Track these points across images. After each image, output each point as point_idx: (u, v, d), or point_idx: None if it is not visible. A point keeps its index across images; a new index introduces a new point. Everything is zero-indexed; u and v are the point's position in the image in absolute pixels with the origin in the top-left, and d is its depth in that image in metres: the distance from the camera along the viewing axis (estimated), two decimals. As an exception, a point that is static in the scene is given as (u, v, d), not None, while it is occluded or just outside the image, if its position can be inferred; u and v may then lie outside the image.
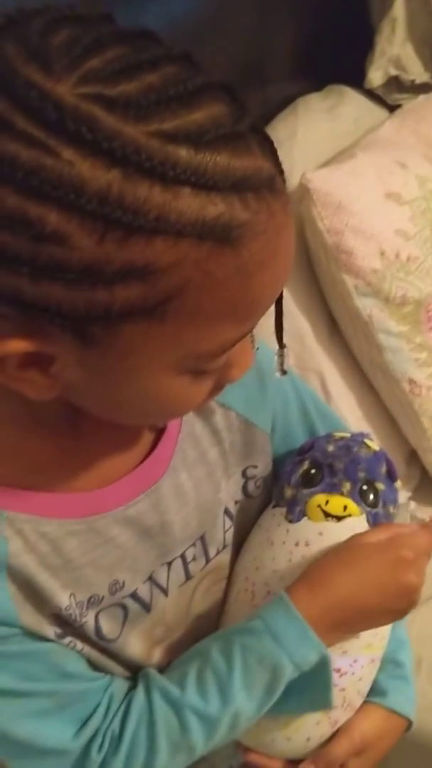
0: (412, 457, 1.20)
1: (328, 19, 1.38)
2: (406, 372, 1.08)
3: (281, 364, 0.60)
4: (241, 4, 1.17)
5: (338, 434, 0.72)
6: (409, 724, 0.73)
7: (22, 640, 0.56)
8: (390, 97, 1.47)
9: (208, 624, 0.70)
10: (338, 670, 0.65)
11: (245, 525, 0.72)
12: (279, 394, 0.72)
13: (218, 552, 0.68)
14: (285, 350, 0.59)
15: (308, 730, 0.67)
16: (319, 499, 0.67)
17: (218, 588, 0.70)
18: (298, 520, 0.67)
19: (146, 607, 0.63)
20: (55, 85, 0.40)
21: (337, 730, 0.69)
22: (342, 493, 0.66)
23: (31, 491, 0.56)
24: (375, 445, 0.71)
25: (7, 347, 0.45)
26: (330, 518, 0.66)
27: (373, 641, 0.68)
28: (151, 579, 0.63)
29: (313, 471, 0.68)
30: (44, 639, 0.57)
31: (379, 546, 0.63)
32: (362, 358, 1.12)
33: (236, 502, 0.70)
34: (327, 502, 0.66)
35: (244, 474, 0.70)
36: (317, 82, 1.38)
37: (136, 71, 0.42)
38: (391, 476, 0.70)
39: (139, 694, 0.62)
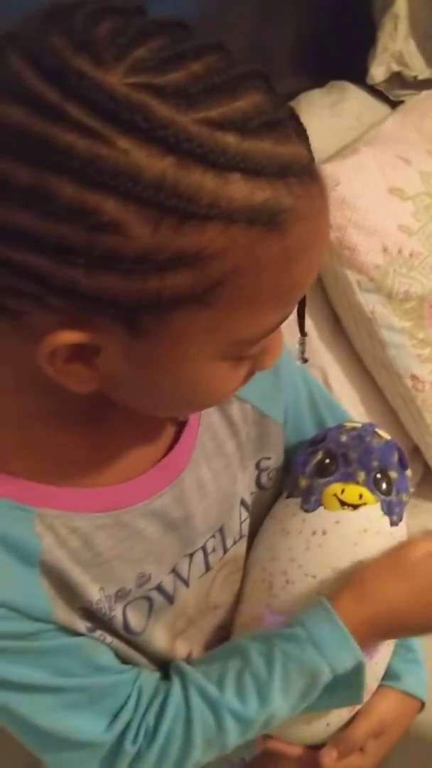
0: (415, 452, 1.20)
1: (330, 15, 1.38)
2: (409, 368, 1.08)
3: (302, 352, 0.61)
4: (242, 3, 1.18)
5: (349, 425, 0.72)
6: (422, 705, 0.75)
7: (56, 635, 0.56)
8: (392, 93, 1.47)
9: (225, 615, 0.71)
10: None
11: (258, 516, 0.72)
12: (290, 386, 0.73)
13: (234, 543, 0.68)
14: (306, 338, 0.60)
15: (328, 715, 0.68)
16: (335, 488, 0.68)
17: (234, 578, 0.71)
18: (314, 509, 0.68)
19: (170, 599, 0.64)
20: (106, 75, 0.41)
21: (356, 714, 0.70)
22: (357, 482, 0.68)
23: (60, 487, 0.56)
24: (386, 434, 0.72)
25: (59, 339, 0.45)
26: (346, 507, 0.67)
27: None
28: (174, 571, 0.63)
29: (327, 461, 0.69)
30: (76, 633, 0.58)
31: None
32: (365, 354, 1.12)
33: (251, 494, 0.70)
34: (343, 491, 0.67)
35: (257, 466, 0.71)
36: (320, 78, 1.38)
37: (181, 60, 0.42)
38: (402, 465, 0.71)
39: (176, 689, 0.62)
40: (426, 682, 0.75)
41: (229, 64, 0.43)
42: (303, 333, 0.60)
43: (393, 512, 0.69)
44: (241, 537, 0.69)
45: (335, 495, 0.67)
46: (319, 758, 0.69)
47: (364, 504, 0.67)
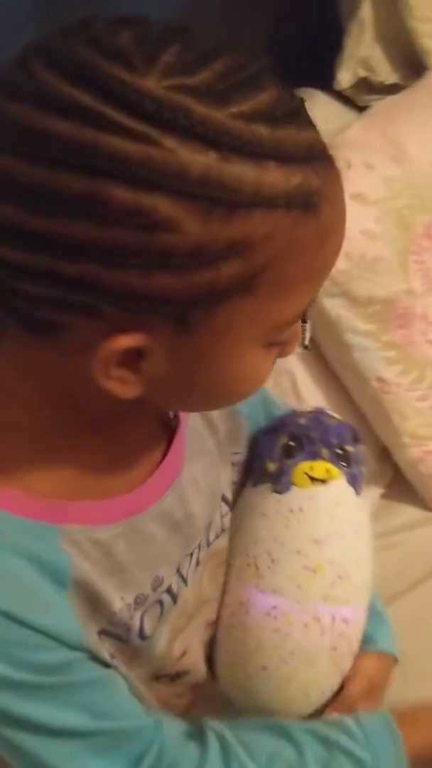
0: (384, 454, 1.20)
1: (296, 21, 1.39)
2: (375, 370, 1.09)
3: (304, 338, 0.62)
4: (205, 8, 1.18)
5: (300, 410, 0.78)
6: (395, 660, 0.80)
7: (88, 666, 0.55)
8: (360, 98, 1.47)
9: (213, 608, 0.73)
10: (346, 620, 0.71)
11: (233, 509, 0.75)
12: None
13: (216, 536, 0.70)
14: (307, 325, 0.61)
15: (324, 683, 0.72)
16: (304, 466, 0.72)
17: (219, 572, 0.72)
18: (287, 489, 0.72)
19: (175, 599, 0.65)
20: (143, 80, 0.43)
21: (347, 678, 0.74)
22: (323, 458, 0.73)
23: (80, 501, 0.56)
24: (337, 415, 0.78)
25: (115, 345, 0.46)
26: (316, 482, 0.72)
27: (366, 593, 0.75)
28: (178, 571, 0.65)
29: (292, 443, 0.73)
30: (103, 663, 0.57)
31: None
32: (332, 358, 1.13)
33: (231, 488, 0.73)
34: (311, 468, 0.72)
35: (232, 461, 0.73)
36: (286, 86, 1.38)
37: (204, 62, 0.45)
38: (356, 440, 0.77)
39: (214, 758, 0.60)
40: (395, 639, 0.81)
41: (244, 61, 0.46)
42: (304, 320, 0.61)
43: (356, 483, 0.75)
44: (222, 531, 0.71)
45: (305, 473, 0.72)
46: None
47: (332, 478, 0.73)
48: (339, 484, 0.73)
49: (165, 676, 0.69)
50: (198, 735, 0.62)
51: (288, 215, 0.45)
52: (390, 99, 1.35)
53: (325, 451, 0.73)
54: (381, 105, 1.32)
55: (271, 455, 0.73)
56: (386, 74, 1.44)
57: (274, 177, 0.44)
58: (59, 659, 0.53)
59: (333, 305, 1.06)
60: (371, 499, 1.19)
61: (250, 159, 0.44)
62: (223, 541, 0.72)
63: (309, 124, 0.47)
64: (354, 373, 1.11)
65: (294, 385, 1.12)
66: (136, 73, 0.43)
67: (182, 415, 0.65)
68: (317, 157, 0.47)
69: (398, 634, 0.83)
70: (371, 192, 1.08)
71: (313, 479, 0.72)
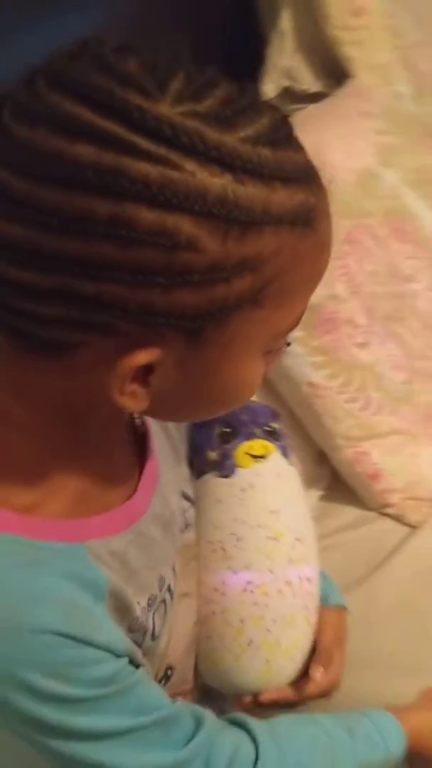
0: (321, 457, 1.22)
1: (216, 36, 1.41)
2: (305, 375, 1.11)
3: (287, 343, 0.65)
4: (121, 23, 1.19)
5: None
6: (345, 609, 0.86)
7: (132, 669, 0.57)
8: (285, 108, 1.50)
9: (191, 603, 0.75)
10: (309, 579, 0.78)
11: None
12: None
13: (181, 532, 0.72)
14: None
15: (304, 643, 0.78)
16: (243, 447, 0.78)
17: (192, 567, 0.75)
18: (233, 472, 0.77)
19: (172, 596, 0.67)
20: (158, 106, 0.45)
21: (318, 632, 0.80)
22: (258, 437, 0.79)
23: (92, 516, 0.58)
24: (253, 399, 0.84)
25: (132, 361, 0.48)
26: (258, 459, 0.78)
27: (317, 551, 0.82)
28: (173, 569, 0.67)
29: (227, 429, 0.79)
30: (139, 664, 0.58)
31: None
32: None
33: (190, 485, 0.76)
34: (251, 447, 0.78)
35: (184, 458, 0.76)
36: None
37: (208, 89, 0.47)
38: (276, 417, 0.84)
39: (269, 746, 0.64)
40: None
41: (243, 88, 0.49)
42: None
43: (287, 454, 0.82)
44: (186, 526, 0.74)
45: (247, 453, 0.78)
46: (311, 675, 0.78)
47: (269, 453, 0.79)
48: (276, 457, 0.79)
49: (161, 681, 0.71)
50: (233, 722, 0.66)
51: (292, 231, 0.48)
52: (312, 107, 1.37)
53: (257, 430, 0.79)
54: (303, 113, 1.34)
55: (210, 445, 0.78)
56: (309, 83, 1.46)
57: (280, 196, 0.47)
58: (112, 670, 0.55)
59: (260, 313, 1.07)
60: (311, 501, 1.20)
61: (260, 180, 0.46)
62: (190, 536, 0.74)
63: (301, 145, 0.51)
64: (286, 379, 1.13)
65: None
66: (151, 99, 0.45)
67: (149, 419, 0.67)
68: (312, 176, 0.51)
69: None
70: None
71: (254, 457, 0.78)
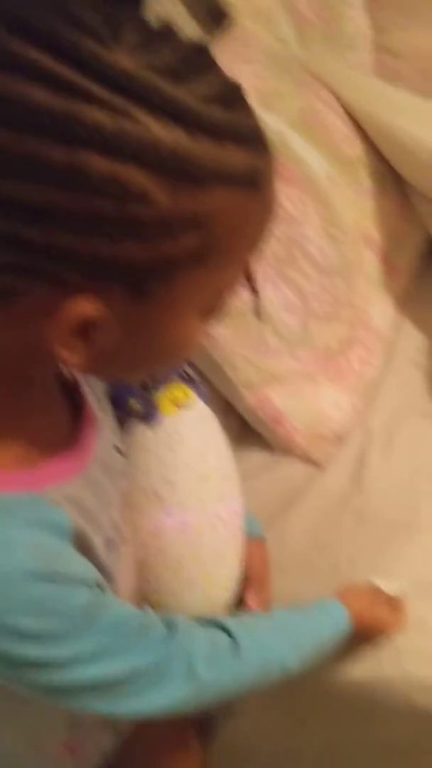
0: (228, 406, 1.22)
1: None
2: (200, 325, 1.11)
3: (257, 311, 0.64)
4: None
5: None
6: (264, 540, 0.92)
7: (101, 593, 0.59)
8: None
9: (130, 550, 0.76)
10: (237, 513, 0.83)
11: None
12: None
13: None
14: (258, 297, 0.66)
15: (236, 573, 0.82)
16: (165, 394, 0.80)
17: (128, 514, 0.75)
18: (158, 419, 0.79)
19: (122, 539, 0.68)
20: (114, 55, 0.44)
21: (247, 562, 0.85)
22: (177, 382, 0.81)
23: (45, 464, 0.58)
24: None
25: (74, 312, 0.48)
26: (180, 404, 0.81)
27: (239, 486, 0.86)
28: (120, 512, 0.68)
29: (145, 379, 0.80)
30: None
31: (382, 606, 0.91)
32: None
33: (118, 436, 0.75)
34: (173, 394, 0.81)
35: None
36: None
37: (161, 41, 0.47)
38: (188, 363, 0.87)
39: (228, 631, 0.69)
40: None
41: (193, 44, 0.49)
42: (255, 292, 0.65)
43: (204, 397, 0.85)
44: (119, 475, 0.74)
45: (168, 399, 0.80)
46: (247, 602, 0.84)
47: (190, 397, 0.82)
48: (195, 401, 0.82)
49: None
50: (205, 622, 0.70)
51: (240, 192, 0.49)
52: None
53: (174, 377, 0.81)
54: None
55: (132, 394, 0.79)
56: (191, 31, 1.44)
57: (231, 156, 0.48)
58: (86, 599, 0.57)
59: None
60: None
61: (212, 138, 0.47)
62: (123, 485, 0.74)
63: (251, 108, 0.51)
64: (182, 330, 1.12)
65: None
66: (107, 47, 0.44)
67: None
68: (262, 139, 0.51)
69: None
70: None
71: (177, 403, 0.81)
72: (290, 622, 0.77)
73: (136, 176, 0.45)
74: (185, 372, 0.84)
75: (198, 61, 0.48)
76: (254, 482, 1.17)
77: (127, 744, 0.81)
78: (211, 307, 0.55)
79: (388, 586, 0.99)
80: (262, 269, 1.16)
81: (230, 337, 1.12)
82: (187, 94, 0.46)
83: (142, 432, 0.79)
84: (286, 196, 1.22)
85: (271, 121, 1.25)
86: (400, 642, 0.94)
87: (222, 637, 0.68)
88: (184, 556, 0.78)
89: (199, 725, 1.02)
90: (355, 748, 1.01)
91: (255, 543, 0.87)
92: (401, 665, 0.92)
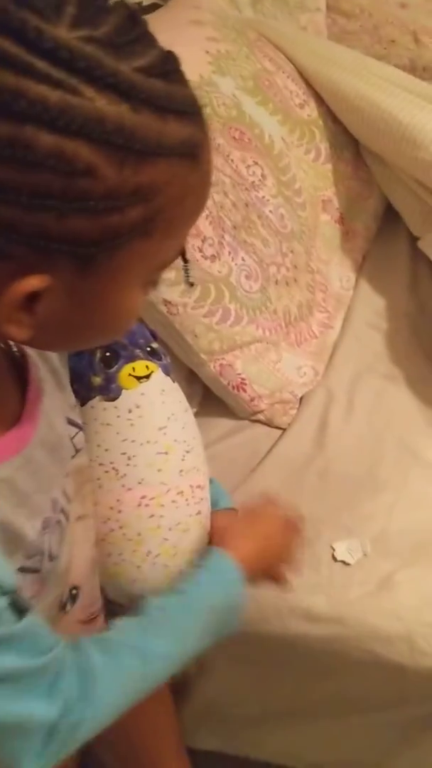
0: (191, 375, 1.23)
1: None
2: (160, 294, 1.10)
3: (187, 277, 0.64)
4: None
5: None
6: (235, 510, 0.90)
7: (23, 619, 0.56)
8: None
9: (89, 524, 0.76)
10: (200, 486, 0.82)
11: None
12: None
13: (71, 457, 0.72)
14: (188, 264, 0.66)
15: (199, 546, 0.81)
16: (126, 369, 0.79)
17: (88, 489, 0.76)
18: (119, 394, 0.78)
19: (68, 518, 0.68)
20: (56, 30, 0.45)
21: (213, 533, 0.84)
22: (140, 358, 0.80)
23: None
24: None
25: (22, 287, 0.48)
26: (142, 379, 0.80)
27: (205, 459, 0.86)
28: (64, 492, 0.67)
29: (107, 354, 0.79)
30: (23, 607, 0.57)
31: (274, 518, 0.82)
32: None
33: (75, 410, 0.74)
34: (133, 368, 0.79)
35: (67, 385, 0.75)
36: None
37: (102, 15, 0.47)
38: (155, 337, 0.86)
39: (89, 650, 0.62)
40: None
41: (131, 15, 0.49)
42: (185, 259, 0.65)
43: (169, 371, 0.84)
44: (77, 451, 0.73)
45: (130, 374, 0.79)
46: None
47: (152, 372, 0.80)
48: (158, 376, 0.81)
49: (67, 602, 0.71)
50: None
51: (182, 163, 0.50)
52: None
53: (138, 352, 0.80)
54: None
55: (93, 370, 0.79)
56: (142, -9, 1.42)
57: (173, 129, 0.48)
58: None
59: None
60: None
61: (154, 111, 0.47)
62: (81, 460, 0.74)
63: (187, 80, 0.51)
64: (141, 299, 1.12)
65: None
66: (50, 22, 0.45)
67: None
68: (199, 111, 0.51)
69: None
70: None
71: (138, 378, 0.79)
72: (165, 611, 0.69)
73: (82, 151, 0.45)
74: (150, 347, 0.82)
75: (136, 34, 0.48)
76: (219, 448, 1.18)
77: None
78: (154, 277, 0.56)
79: (351, 546, 1.01)
80: (219, 235, 1.16)
81: (190, 305, 1.13)
82: (128, 68, 0.46)
83: (103, 407, 0.79)
84: (242, 160, 1.22)
85: (225, 85, 1.24)
86: (364, 599, 0.96)
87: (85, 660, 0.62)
88: (144, 530, 0.78)
89: (173, 684, 1.04)
90: (322, 703, 1.04)
91: (222, 513, 0.87)
92: (366, 622, 0.95)
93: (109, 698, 0.62)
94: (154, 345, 0.83)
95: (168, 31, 1.27)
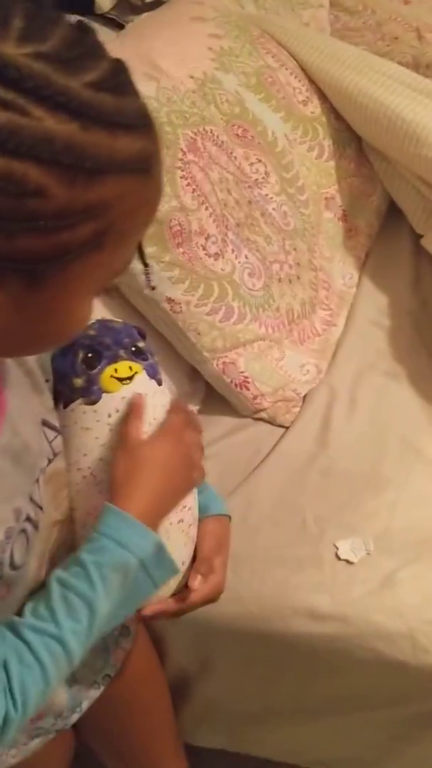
0: (194, 372, 1.23)
1: None
2: (163, 292, 1.10)
3: (149, 281, 0.63)
4: None
5: None
6: (229, 518, 0.87)
7: None
8: (125, 19, 1.45)
9: (70, 527, 0.75)
10: (187, 507, 0.78)
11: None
12: None
13: (49, 461, 0.71)
14: (150, 268, 0.66)
15: (182, 554, 0.78)
16: (109, 371, 0.76)
17: (63, 495, 0.75)
18: (99, 397, 0.75)
19: (36, 526, 0.67)
20: (3, 45, 0.45)
21: (197, 543, 0.82)
22: (123, 359, 0.77)
23: None
24: (118, 320, 0.83)
25: None
26: (124, 381, 0.76)
27: None
28: (32, 500, 0.67)
29: (90, 354, 0.76)
30: None
31: (161, 441, 0.74)
32: (122, 287, 1.13)
33: (53, 413, 0.74)
34: (116, 370, 0.76)
35: (46, 387, 0.75)
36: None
37: (49, 27, 0.47)
38: (143, 336, 0.83)
39: (11, 639, 0.62)
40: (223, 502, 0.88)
41: (80, 26, 0.49)
42: (145, 264, 0.64)
43: (156, 373, 0.80)
44: (54, 455, 0.73)
45: (112, 376, 0.76)
46: (189, 585, 0.78)
47: (136, 374, 0.77)
48: (142, 378, 0.78)
49: None
50: None
51: (133, 177, 0.50)
52: (144, 16, 1.34)
53: (122, 352, 0.77)
54: (134, 23, 1.30)
55: (75, 371, 0.76)
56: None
57: (123, 144, 0.48)
58: None
59: (108, 233, 1.05)
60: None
61: (104, 128, 0.47)
62: (59, 465, 0.74)
63: (137, 91, 0.51)
64: (143, 297, 1.12)
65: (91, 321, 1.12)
66: None
67: None
68: (149, 122, 0.51)
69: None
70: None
71: (120, 380, 0.76)
72: (66, 586, 0.65)
73: (31, 172, 0.46)
74: (135, 346, 0.79)
75: (85, 46, 0.48)
76: (221, 445, 1.18)
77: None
78: (105, 285, 0.56)
79: (354, 544, 1.01)
80: (223, 233, 1.15)
81: (193, 303, 1.12)
82: (77, 84, 0.46)
83: (83, 410, 0.76)
84: (245, 158, 1.22)
85: (228, 82, 1.24)
86: (367, 598, 0.96)
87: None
88: None
89: (173, 687, 1.04)
90: (324, 700, 1.04)
91: (212, 520, 0.84)
92: (369, 620, 0.95)
93: (34, 692, 0.61)
94: (141, 344, 0.81)
95: (171, 27, 1.29)
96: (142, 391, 0.77)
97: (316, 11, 1.61)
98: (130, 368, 0.77)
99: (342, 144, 1.41)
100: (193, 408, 1.24)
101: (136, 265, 1.08)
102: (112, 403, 0.75)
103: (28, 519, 0.66)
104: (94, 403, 0.76)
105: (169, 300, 1.11)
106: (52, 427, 0.73)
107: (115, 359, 0.77)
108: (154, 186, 0.53)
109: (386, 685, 0.98)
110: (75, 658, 0.64)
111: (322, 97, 1.39)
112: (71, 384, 0.76)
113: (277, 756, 1.14)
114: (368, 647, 0.95)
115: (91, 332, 0.78)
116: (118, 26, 1.44)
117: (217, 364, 1.17)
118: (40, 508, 0.69)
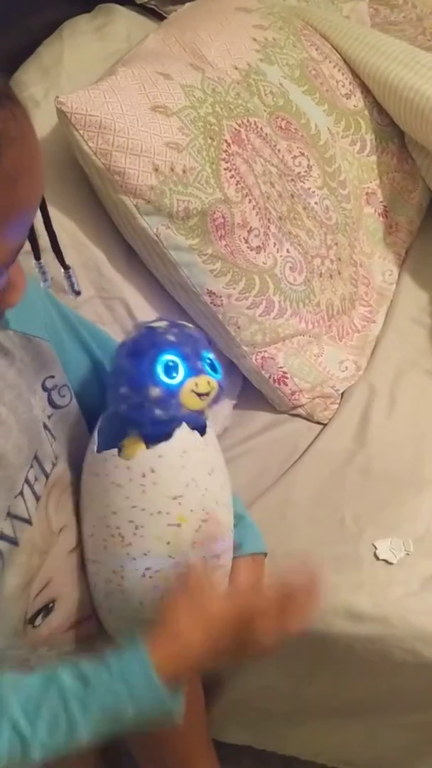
0: (231, 366, 1.21)
1: None
2: (204, 284, 1.09)
3: (72, 285, 0.64)
4: None
5: (154, 324, 0.74)
6: (265, 554, 0.83)
7: None
8: (165, 9, 1.44)
9: (72, 536, 0.73)
10: (216, 555, 0.73)
11: (70, 436, 0.74)
12: (41, 306, 0.74)
13: (53, 465, 0.70)
14: (70, 271, 0.63)
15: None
16: (189, 385, 0.70)
17: (66, 498, 0.73)
18: (177, 411, 0.70)
19: (14, 542, 0.65)
20: None
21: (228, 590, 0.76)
22: (203, 372, 0.72)
23: None
24: (188, 324, 0.76)
25: None
26: (202, 397, 0.71)
27: (230, 516, 0.76)
28: (10, 515, 0.64)
29: (171, 363, 0.70)
30: None
31: (230, 621, 0.66)
32: (162, 278, 1.12)
33: (49, 416, 0.72)
34: (196, 384, 0.70)
35: (44, 387, 0.72)
36: (88, 5, 1.33)
37: None
38: (210, 344, 0.76)
39: None
40: (261, 535, 0.84)
41: None
42: (65, 267, 0.63)
43: (221, 394, 0.74)
44: (57, 458, 0.71)
45: (192, 391, 0.70)
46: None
47: (213, 390, 0.72)
48: (183, 432, 0.71)
49: (35, 617, 0.69)
50: None
51: None
52: (187, 6, 1.32)
53: (200, 365, 0.72)
54: (177, 13, 1.29)
55: (153, 380, 0.70)
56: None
57: None
58: None
59: (150, 223, 1.04)
60: (224, 412, 1.20)
61: None
62: (61, 468, 0.72)
63: None
64: (184, 289, 1.11)
65: (128, 310, 1.11)
66: None
67: None
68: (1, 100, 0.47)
69: (262, 532, 0.86)
70: (171, 102, 1.05)
71: (200, 395, 0.71)
72: (62, 690, 0.61)
73: None
74: (210, 359, 0.73)
75: None
76: (257, 441, 1.17)
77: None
78: None
79: (393, 544, 0.99)
80: (265, 226, 1.14)
81: (235, 296, 1.11)
82: None
83: (114, 465, 0.71)
84: (288, 150, 1.20)
85: (272, 74, 1.22)
86: (407, 599, 0.95)
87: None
88: (147, 601, 0.71)
89: (204, 683, 1.03)
90: (357, 702, 1.02)
91: (244, 562, 0.79)
92: (409, 621, 0.93)
93: None
94: (211, 356, 0.74)
95: (214, 18, 1.27)
96: (180, 449, 0.70)
97: (357, 4, 1.59)
98: (209, 383, 0.71)
99: (384, 139, 1.39)
100: (230, 402, 1.23)
101: (180, 257, 1.07)
102: (146, 462, 0.70)
103: (2, 537, 0.63)
104: (170, 420, 0.70)
105: (210, 293, 1.10)
106: (49, 431, 0.71)
107: (196, 373, 0.71)
108: (12, 168, 0.48)
109: (422, 687, 0.97)
110: (29, 763, 0.61)
111: (366, 90, 1.37)
112: (147, 393, 0.70)
113: (303, 755, 1.13)
114: (407, 649, 0.93)
115: (171, 338, 0.72)
116: (158, 16, 1.43)
117: (255, 359, 1.16)
118: (28, 522, 0.66)
